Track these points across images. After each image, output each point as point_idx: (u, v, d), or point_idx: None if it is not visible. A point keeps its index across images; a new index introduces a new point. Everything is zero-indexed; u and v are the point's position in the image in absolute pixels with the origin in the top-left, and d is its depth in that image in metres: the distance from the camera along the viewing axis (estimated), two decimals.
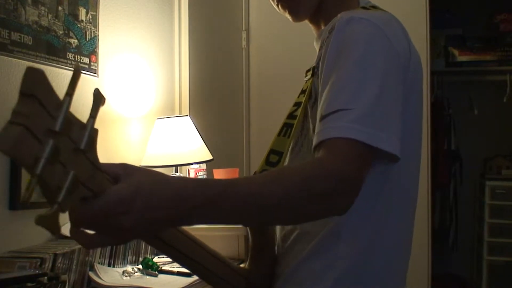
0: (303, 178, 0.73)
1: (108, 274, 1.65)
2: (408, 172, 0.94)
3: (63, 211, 0.55)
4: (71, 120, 0.57)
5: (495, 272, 3.59)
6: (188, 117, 2.28)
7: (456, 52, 3.76)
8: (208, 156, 2.23)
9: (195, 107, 2.63)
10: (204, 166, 2.33)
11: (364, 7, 0.96)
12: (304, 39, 1.29)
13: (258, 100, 3.10)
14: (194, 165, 2.29)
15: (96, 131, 0.62)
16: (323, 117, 0.80)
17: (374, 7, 0.97)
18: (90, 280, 1.59)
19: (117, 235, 0.64)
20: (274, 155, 0.99)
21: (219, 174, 2.35)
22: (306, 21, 1.05)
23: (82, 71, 1.94)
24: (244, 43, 3.12)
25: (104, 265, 1.71)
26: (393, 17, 0.92)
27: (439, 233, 3.66)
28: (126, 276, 1.69)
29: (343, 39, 0.84)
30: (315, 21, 1.03)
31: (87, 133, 0.59)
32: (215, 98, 2.90)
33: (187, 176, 0.71)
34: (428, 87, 2.78)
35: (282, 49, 2.98)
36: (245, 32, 3.12)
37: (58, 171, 0.53)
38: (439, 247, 3.47)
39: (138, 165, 2.23)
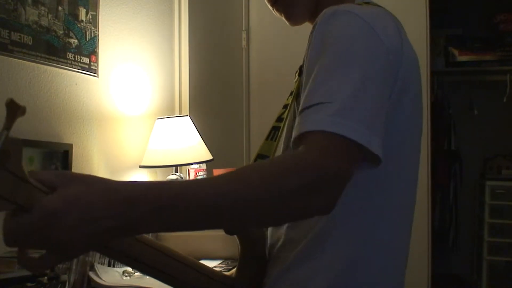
0: (272, 174, 0.66)
1: (108, 274, 1.65)
2: (404, 177, 0.88)
3: None
4: None
5: (495, 272, 3.59)
6: (188, 117, 2.27)
7: (456, 52, 3.76)
8: (208, 156, 2.23)
9: (195, 107, 2.63)
10: (204, 166, 2.33)
11: (357, 3, 0.90)
12: (304, 39, 1.28)
13: (258, 100, 3.10)
14: (194, 165, 2.29)
15: (17, 141, 0.58)
16: (301, 111, 0.75)
17: (367, 3, 0.92)
18: (90, 280, 1.59)
19: (59, 251, 0.59)
20: (261, 160, 0.94)
21: (219, 174, 2.35)
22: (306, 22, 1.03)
23: (82, 71, 1.95)
24: (244, 43, 3.12)
25: (104, 265, 1.71)
26: (385, 12, 0.88)
27: (439, 233, 3.66)
28: (126, 276, 1.69)
29: (325, 33, 0.79)
30: (314, 21, 1.02)
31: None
32: (215, 98, 2.90)
33: (140, 181, 0.65)
34: (428, 87, 2.78)
35: (282, 49, 2.98)
36: (245, 32, 3.12)
37: None
38: (439, 247, 3.47)
39: (138, 166, 2.24)
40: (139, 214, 0.60)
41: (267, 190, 0.65)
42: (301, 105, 0.76)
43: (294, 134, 0.75)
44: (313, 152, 0.69)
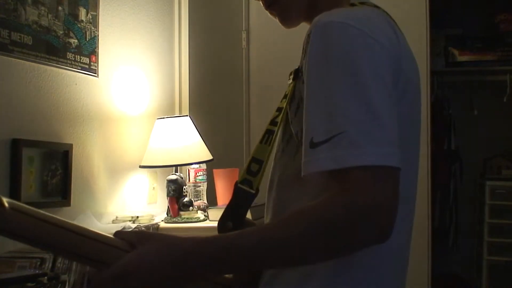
0: (317, 221, 0.71)
1: None
2: (403, 177, 0.83)
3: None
4: None
5: (495, 272, 3.59)
6: (188, 117, 2.27)
7: (456, 52, 3.75)
8: (208, 156, 2.23)
9: (195, 107, 2.63)
10: (204, 166, 2.33)
11: (352, 4, 0.88)
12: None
13: (258, 100, 3.10)
14: (194, 165, 2.29)
15: None
16: (314, 144, 0.74)
17: (363, 3, 0.89)
18: (90, 280, 1.59)
19: None
20: (255, 164, 0.95)
21: (219, 174, 2.35)
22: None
23: (82, 71, 1.95)
24: (244, 43, 3.12)
25: None
26: (379, 13, 0.87)
27: (439, 233, 3.66)
28: None
29: (322, 50, 0.77)
30: (311, 21, 1.01)
31: None
32: (215, 98, 2.90)
33: (196, 237, 0.70)
34: (428, 87, 2.77)
35: (282, 49, 2.97)
36: (245, 32, 3.12)
37: None
38: (439, 247, 3.46)
39: (138, 166, 2.24)
40: (192, 272, 0.75)
41: (319, 240, 0.71)
42: (307, 134, 0.76)
43: (307, 170, 0.75)
44: (348, 191, 0.71)
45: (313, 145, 0.74)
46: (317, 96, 0.76)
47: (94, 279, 0.75)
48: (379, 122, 0.73)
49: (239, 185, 0.96)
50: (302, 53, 0.84)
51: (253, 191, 0.95)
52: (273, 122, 0.95)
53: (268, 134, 0.95)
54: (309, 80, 0.79)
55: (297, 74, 0.90)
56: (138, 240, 0.76)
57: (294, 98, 0.89)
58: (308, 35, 0.81)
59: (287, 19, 0.99)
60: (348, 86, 0.74)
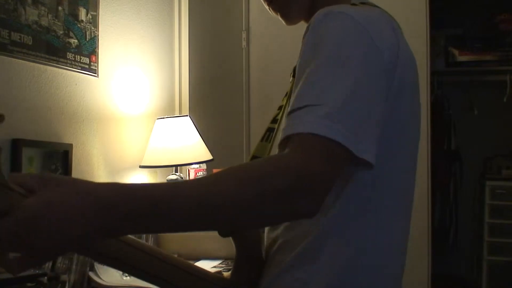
0: (257, 175, 0.66)
1: (108, 274, 1.65)
2: (402, 178, 0.87)
3: None
4: None
5: (495, 272, 3.59)
6: (188, 117, 2.28)
7: (456, 52, 3.76)
8: (208, 156, 2.23)
9: (195, 107, 2.63)
10: (204, 166, 2.33)
11: (353, 4, 0.88)
12: None
13: (258, 100, 3.10)
14: (194, 165, 2.29)
15: None
16: (289, 113, 0.74)
17: (364, 3, 0.90)
18: (90, 280, 1.59)
19: (36, 254, 0.61)
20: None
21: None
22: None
23: (82, 71, 1.95)
24: (244, 43, 3.12)
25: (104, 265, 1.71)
26: (380, 12, 0.86)
27: (439, 233, 3.66)
28: (126, 276, 1.69)
29: (318, 35, 0.78)
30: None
31: None
32: (215, 98, 2.90)
33: (120, 182, 0.65)
34: (428, 87, 2.77)
35: (282, 49, 2.98)
36: (245, 32, 3.12)
37: None
38: (439, 247, 3.46)
39: (138, 166, 2.24)
40: (116, 219, 0.61)
41: (250, 190, 0.65)
42: (289, 107, 0.75)
43: (281, 136, 0.74)
44: (298, 154, 0.68)
45: (289, 113, 0.74)
46: (304, 73, 0.76)
47: None
48: (354, 106, 0.72)
49: None
50: (302, 46, 0.84)
51: None
52: (274, 120, 0.95)
53: (269, 132, 0.95)
54: (300, 61, 0.79)
55: (295, 71, 0.90)
56: (37, 184, 0.62)
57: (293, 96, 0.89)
58: (308, 27, 0.81)
59: (288, 15, 0.99)
60: (333, 68, 0.74)
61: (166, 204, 0.63)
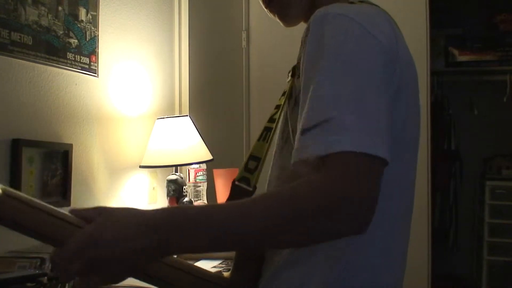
0: (289, 202, 0.68)
1: None
2: (402, 179, 0.86)
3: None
4: None
5: (495, 272, 3.59)
6: (188, 117, 2.28)
7: (456, 52, 3.76)
8: (208, 156, 2.23)
9: (195, 107, 2.63)
10: (204, 166, 2.33)
11: (351, 2, 0.87)
12: None
13: (258, 100, 3.10)
14: (194, 165, 2.29)
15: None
16: (303, 131, 0.72)
17: (361, 1, 0.88)
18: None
19: (104, 273, 0.68)
20: (252, 161, 0.94)
21: (219, 174, 2.35)
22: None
23: (82, 71, 1.95)
24: (244, 43, 3.12)
25: None
26: (378, 11, 0.85)
27: (439, 233, 3.66)
28: None
29: (318, 39, 0.76)
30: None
31: None
32: (215, 98, 2.90)
33: (165, 207, 0.69)
34: (428, 87, 2.77)
35: (282, 49, 2.97)
36: (245, 32, 3.12)
37: None
38: (439, 247, 3.46)
39: (138, 166, 2.24)
40: (162, 236, 0.68)
41: (283, 216, 0.68)
42: (301, 123, 0.74)
43: (297, 156, 0.73)
44: (328, 177, 0.68)
45: (303, 132, 0.73)
46: (309, 84, 0.75)
47: (54, 258, 0.68)
48: (368, 111, 0.72)
49: (236, 182, 0.96)
50: (301, 46, 0.83)
51: (251, 189, 0.95)
52: (271, 119, 0.95)
53: (266, 131, 0.95)
54: (304, 70, 0.78)
55: (294, 71, 0.90)
56: (95, 215, 0.70)
57: (291, 95, 0.88)
58: (307, 28, 0.80)
59: (287, 17, 0.99)
60: (339, 75, 0.73)
61: (200, 227, 0.69)
